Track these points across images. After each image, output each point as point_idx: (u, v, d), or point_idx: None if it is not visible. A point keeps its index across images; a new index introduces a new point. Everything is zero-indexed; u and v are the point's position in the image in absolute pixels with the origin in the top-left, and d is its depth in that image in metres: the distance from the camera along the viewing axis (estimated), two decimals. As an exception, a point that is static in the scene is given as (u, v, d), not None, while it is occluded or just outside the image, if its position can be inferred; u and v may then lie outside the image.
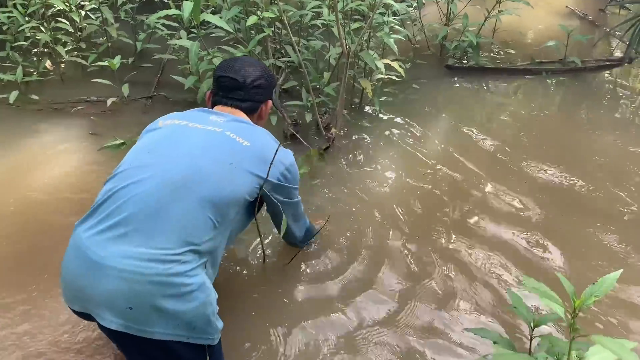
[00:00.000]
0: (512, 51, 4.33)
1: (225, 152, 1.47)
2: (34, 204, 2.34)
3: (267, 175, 1.55)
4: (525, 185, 2.67)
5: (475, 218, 2.43)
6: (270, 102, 1.77)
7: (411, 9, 4.19)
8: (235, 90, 1.67)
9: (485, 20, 3.96)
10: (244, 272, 2.07)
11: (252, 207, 1.62)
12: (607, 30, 4.79)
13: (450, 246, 2.25)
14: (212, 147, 1.47)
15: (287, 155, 1.67)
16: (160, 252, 1.29)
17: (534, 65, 4.03)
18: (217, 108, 1.69)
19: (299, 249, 2.11)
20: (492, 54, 4.24)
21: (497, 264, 2.16)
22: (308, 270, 2.08)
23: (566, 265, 2.17)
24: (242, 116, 1.68)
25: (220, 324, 1.43)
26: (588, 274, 2.12)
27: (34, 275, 1.98)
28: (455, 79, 3.84)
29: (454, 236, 2.31)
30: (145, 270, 1.27)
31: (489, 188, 2.64)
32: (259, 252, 2.12)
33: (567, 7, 5.42)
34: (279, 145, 1.62)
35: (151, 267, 1.27)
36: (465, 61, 4.07)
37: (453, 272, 2.11)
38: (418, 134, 3.10)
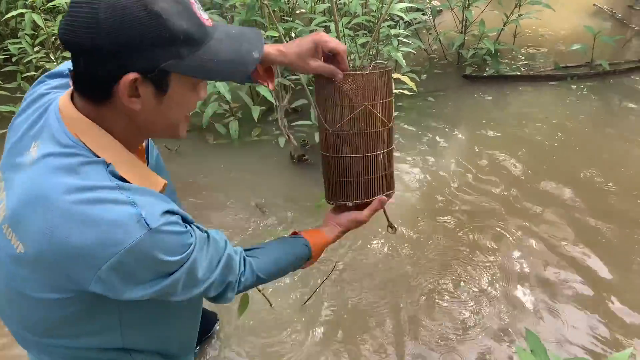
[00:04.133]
0: (535, 57, 4.11)
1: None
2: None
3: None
4: (554, 201, 2.50)
5: (500, 241, 2.26)
6: (130, 76, 0.74)
7: (426, 17, 4.04)
8: (73, 56, 0.77)
9: (504, 26, 3.77)
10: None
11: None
12: (638, 29, 4.52)
13: (465, 279, 2.09)
14: None
15: (108, 241, 0.74)
16: None
17: (558, 71, 3.82)
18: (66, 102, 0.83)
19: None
20: (512, 61, 4.03)
21: (530, 289, 1.99)
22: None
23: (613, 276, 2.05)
24: (81, 124, 0.80)
25: None
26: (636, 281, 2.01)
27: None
28: (473, 89, 3.65)
29: (469, 268, 2.14)
30: None
31: (514, 208, 2.47)
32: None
33: (594, 5, 5.15)
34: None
35: None
36: (485, 70, 3.89)
37: (468, 314, 1.95)
38: (432, 152, 2.94)
